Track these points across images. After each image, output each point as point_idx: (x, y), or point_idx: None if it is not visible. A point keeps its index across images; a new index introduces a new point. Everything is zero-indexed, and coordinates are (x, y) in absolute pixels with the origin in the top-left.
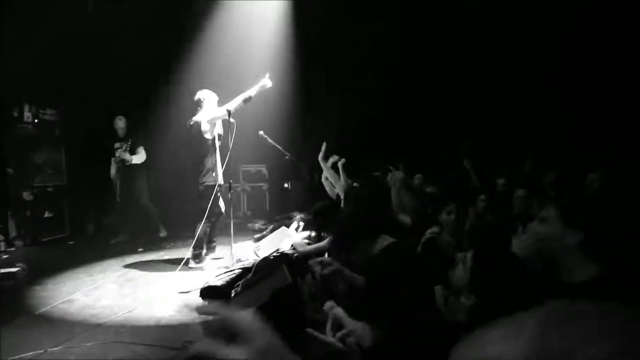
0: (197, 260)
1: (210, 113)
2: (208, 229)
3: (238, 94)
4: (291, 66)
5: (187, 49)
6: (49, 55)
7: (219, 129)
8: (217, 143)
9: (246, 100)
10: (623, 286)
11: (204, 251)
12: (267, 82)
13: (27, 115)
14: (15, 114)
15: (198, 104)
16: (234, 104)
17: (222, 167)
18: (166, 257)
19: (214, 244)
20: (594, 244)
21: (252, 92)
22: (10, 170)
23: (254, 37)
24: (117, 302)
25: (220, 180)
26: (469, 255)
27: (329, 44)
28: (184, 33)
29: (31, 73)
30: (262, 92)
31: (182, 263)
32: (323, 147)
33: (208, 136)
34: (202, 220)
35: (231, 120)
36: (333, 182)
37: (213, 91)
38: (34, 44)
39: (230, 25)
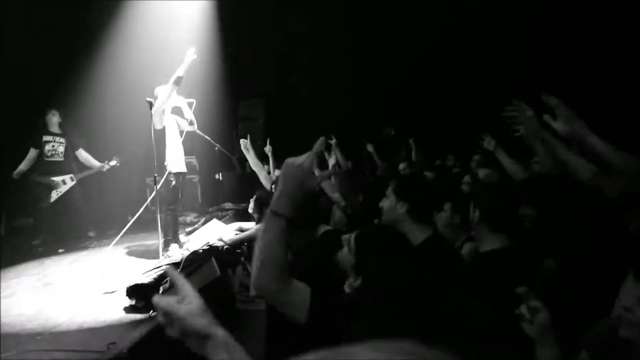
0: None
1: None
2: (169, 217)
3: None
4: (217, 56)
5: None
6: None
7: (173, 119)
8: (170, 132)
9: (177, 82)
10: (448, 246)
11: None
12: (190, 55)
13: None
14: None
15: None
16: (165, 88)
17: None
18: (89, 257)
19: (169, 238)
20: (418, 212)
21: (179, 71)
22: None
23: (178, 31)
24: (34, 308)
25: (174, 169)
26: (352, 236)
27: (255, 34)
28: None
29: None
30: (189, 85)
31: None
32: (248, 140)
33: (157, 126)
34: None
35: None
36: (257, 172)
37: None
38: None
39: (151, 23)
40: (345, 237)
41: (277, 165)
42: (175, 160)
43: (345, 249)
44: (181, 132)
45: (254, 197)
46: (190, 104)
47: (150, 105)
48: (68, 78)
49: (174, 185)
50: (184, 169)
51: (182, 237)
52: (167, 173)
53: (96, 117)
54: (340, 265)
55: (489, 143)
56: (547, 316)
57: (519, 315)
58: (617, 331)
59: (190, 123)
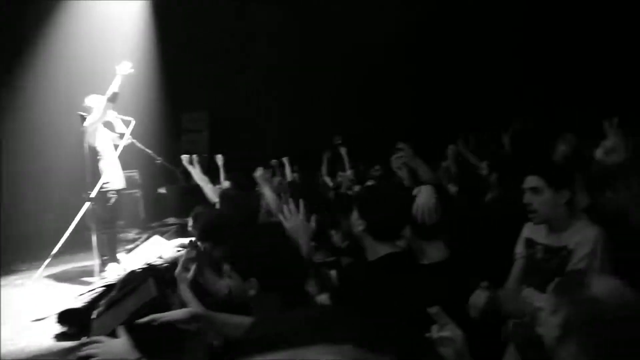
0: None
1: (88, 120)
2: (104, 236)
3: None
4: (155, 67)
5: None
6: None
7: (106, 134)
8: (104, 148)
9: (112, 98)
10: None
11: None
12: (123, 69)
13: None
14: None
15: (87, 111)
16: (100, 108)
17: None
18: (19, 281)
19: (105, 258)
20: (376, 229)
21: (114, 87)
22: None
23: (113, 39)
24: None
25: (109, 186)
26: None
27: (194, 43)
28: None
29: None
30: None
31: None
32: (190, 156)
33: (91, 143)
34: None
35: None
36: (203, 186)
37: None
38: None
39: (85, 26)
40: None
41: (227, 177)
42: (113, 176)
43: None
44: (115, 147)
45: (193, 214)
46: (127, 122)
47: (82, 119)
48: None
49: (113, 203)
50: (122, 185)
51: (122, 256)
52: (105, 191)
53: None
54: None
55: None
56: (462, 338)
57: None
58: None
59: (121, 137)
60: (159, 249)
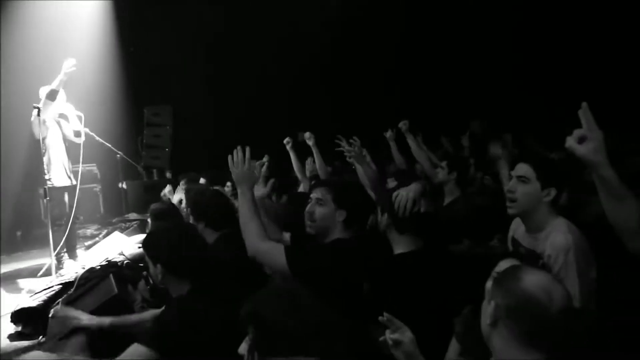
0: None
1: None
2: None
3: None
4: (120, 59)
5: None
6: None
7: (56, 129)
8: (50, 143)
9: (50, 96)
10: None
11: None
12: (68, 66)
13: None
14: None
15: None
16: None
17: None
18: None
19: (62, 255)
20: (352, 221)
21: (54, 84)
22: None
23: (73, 34)
24: None
25: (57, 182)
26: None
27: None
28: None
29: None
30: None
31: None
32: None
33: (36, 136)
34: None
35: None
36: None
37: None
38: None
39: (47, 24)
40: None
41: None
42: (59, 173)
43: None
44: (65, 141)
45: (150, 210)
46: (79, 118)
47: (38, 111)
48: None
49: (59, 200)
50: (67, 182)
51: (81, 252)
52: (48, 187)
53: None
54: None
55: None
56: (411, 339)
57: (383, 343)
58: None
59: (77, 135)
60: (120, 245)
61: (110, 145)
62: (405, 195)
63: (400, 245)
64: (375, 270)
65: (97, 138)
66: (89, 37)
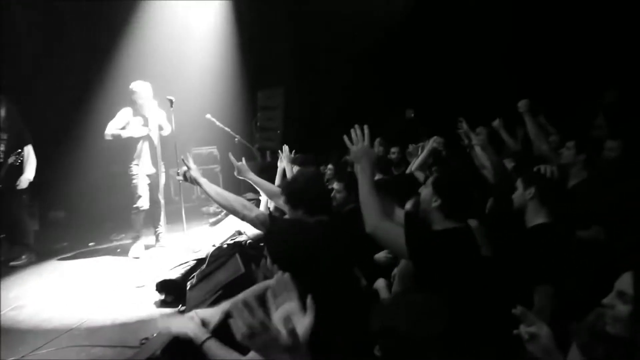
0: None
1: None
2: (134, 216)
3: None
4: (234, 47)
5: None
6: None
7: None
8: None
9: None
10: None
11: (138, 240)
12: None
13: None
14: None
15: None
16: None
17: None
18: (118, 250)
19: (158, 231)
20: (449, 207)
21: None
22: None
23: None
24: (69, 303)
25: (140, 170)
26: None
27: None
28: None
29: None
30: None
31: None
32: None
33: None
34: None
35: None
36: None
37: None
38: None
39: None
40: None
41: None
42: (144, 160)
43: None
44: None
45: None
46: (170, 101)
47: (171, 103)
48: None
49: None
50: (151, 170)
51: (206, 229)
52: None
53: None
54: None
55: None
56: (549, 334)
57: (519, 336)
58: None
59: (160, 129)
60: (240, 223)
61: (228, 129)
62: (550, 169)
63: (540, 216)
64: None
65: (217, 123)
66: (206, 25)
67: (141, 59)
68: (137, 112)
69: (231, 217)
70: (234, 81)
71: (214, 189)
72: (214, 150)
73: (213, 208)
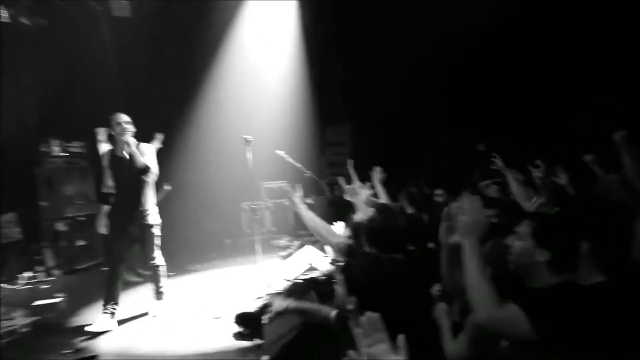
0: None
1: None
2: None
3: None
4: (305, 84)
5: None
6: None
7: None
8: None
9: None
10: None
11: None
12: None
13: (55, 149)
14: (44, 149)
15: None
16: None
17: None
18: (194, 279)
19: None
20: (558, 262)
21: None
22: (44, 203)
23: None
24: (156, 329)
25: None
26: None
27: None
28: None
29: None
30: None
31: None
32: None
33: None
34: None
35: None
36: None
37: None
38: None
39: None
40: None
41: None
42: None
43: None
44: None
45: (350, 224)
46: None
47: (247, 142)
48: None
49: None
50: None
51: (278, 262)
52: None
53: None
54: None
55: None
56: None
57: None
58: None
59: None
60: (312, 258)
61: (299, 165)
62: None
63: None
64: None
65: (288, 158)
66: (279, 69)
67: (219, 100)
68: None
69: (302, 251)
70: (303, 117)
71: (309, 215)
72: (283, 184)
73: (284, 241)
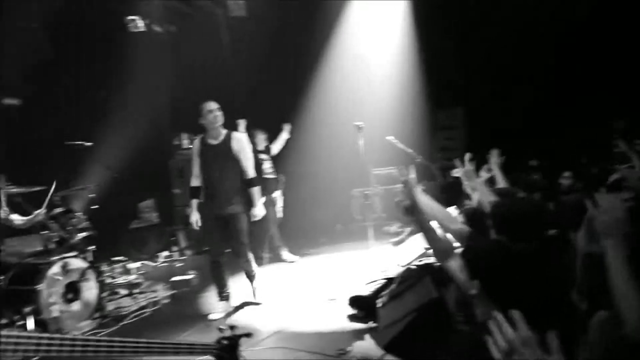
0: None
1: None
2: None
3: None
4: (415, 65)
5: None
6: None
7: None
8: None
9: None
10: None
11: None
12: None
13: (185, 143)
14: (176, 143)
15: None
16: None
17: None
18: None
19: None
20: None
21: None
22: (176, 191)
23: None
24: (273, 308)
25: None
26: None
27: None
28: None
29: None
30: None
31: None
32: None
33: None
34: None
35: None
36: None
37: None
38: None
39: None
40: None
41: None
42: None
43: None
44: None
45: (464, 211)
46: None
47: (358, 129)
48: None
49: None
50: None
51: (390, 248)
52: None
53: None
54: None
55: None
56: None
57: None
58: None
59: None
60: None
61: (410, 151)
62: None
63: None
64: None
65: (399, 144)
66: (391, 43)
67: (331, 90)
68: None
69: (413, 238)
70: (413, 102)
71: (425, 199)
72: (393, 170)
73: (394, 228)
